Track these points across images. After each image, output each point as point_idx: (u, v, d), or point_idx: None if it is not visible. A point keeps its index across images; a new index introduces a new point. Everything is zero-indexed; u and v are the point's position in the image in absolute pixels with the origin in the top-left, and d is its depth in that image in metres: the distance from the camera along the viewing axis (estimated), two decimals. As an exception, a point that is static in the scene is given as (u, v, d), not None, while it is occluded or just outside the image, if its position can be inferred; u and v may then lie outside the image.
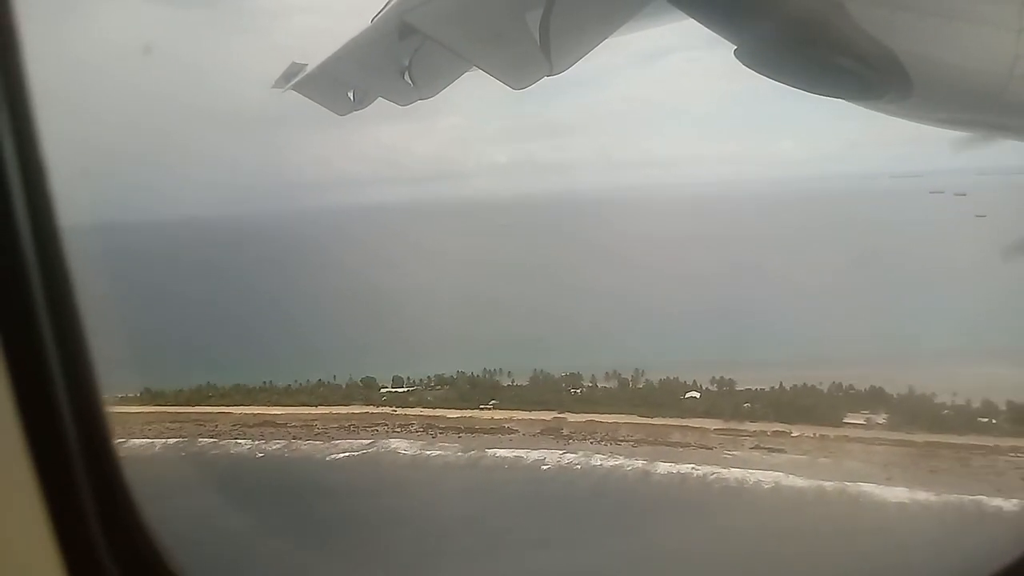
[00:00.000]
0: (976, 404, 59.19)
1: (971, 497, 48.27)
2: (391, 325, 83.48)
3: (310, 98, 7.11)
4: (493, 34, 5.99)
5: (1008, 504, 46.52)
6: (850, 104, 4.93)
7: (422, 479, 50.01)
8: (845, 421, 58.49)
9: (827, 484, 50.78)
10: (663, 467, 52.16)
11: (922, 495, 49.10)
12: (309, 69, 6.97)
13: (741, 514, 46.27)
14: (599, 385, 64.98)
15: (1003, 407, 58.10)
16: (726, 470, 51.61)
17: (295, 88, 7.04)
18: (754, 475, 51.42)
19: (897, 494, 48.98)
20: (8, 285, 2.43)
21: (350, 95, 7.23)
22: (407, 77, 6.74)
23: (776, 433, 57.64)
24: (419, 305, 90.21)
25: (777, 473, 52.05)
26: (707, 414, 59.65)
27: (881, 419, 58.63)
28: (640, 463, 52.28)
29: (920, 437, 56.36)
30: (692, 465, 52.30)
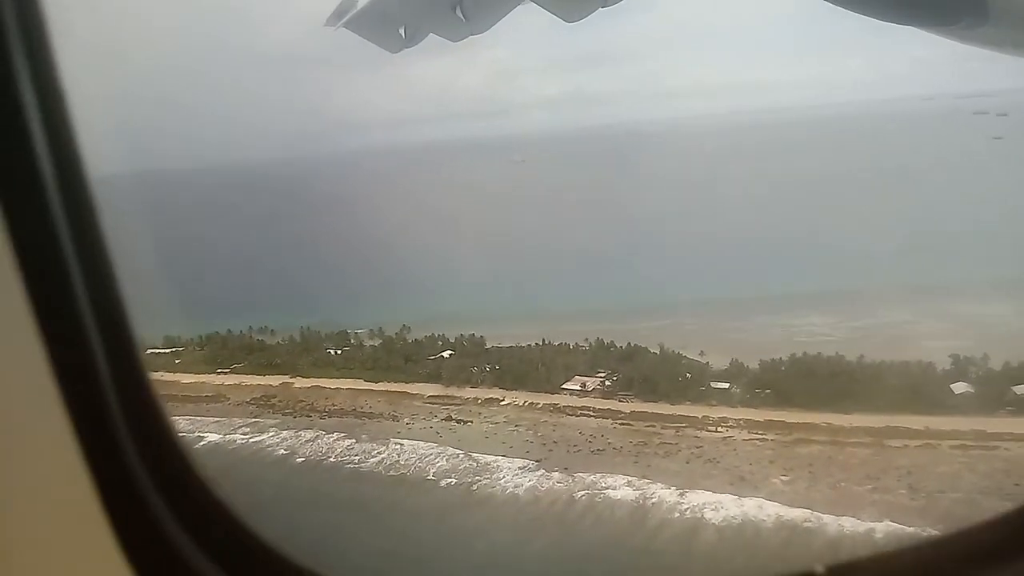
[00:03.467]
0: (723, 365, 48.69)
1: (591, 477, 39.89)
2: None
3: (362, 35, 6.99)
4: None
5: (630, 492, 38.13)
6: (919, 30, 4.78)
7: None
8: (563, 387, 50.81)
9: (476, 460, 44.38)
10: (322, 443, 48.56)
11: (555, 476, 41.27)
12: (360, 5, 6.89)
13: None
14: (365, 344, 62.08)
15: (754, 367, 47.12)
16: (384, 447, 46.81)
17: (346, 26, 6.92)
18: (402, 451, 46.27)
19: (523, 477, 41.49)
20: (36, 235, 2.40)
21: (401, 32, 7.05)
22: (459, 11, 6.60)
23: (487, 401, 51.53)
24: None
25: (439, 449, 46.20)
26: (432, 378, 54.86)
27: (598, 384, 50.06)
28: (300, 438, 49.10)
29: (629, 406, 47.49)
30: (353, 440, 48.16)
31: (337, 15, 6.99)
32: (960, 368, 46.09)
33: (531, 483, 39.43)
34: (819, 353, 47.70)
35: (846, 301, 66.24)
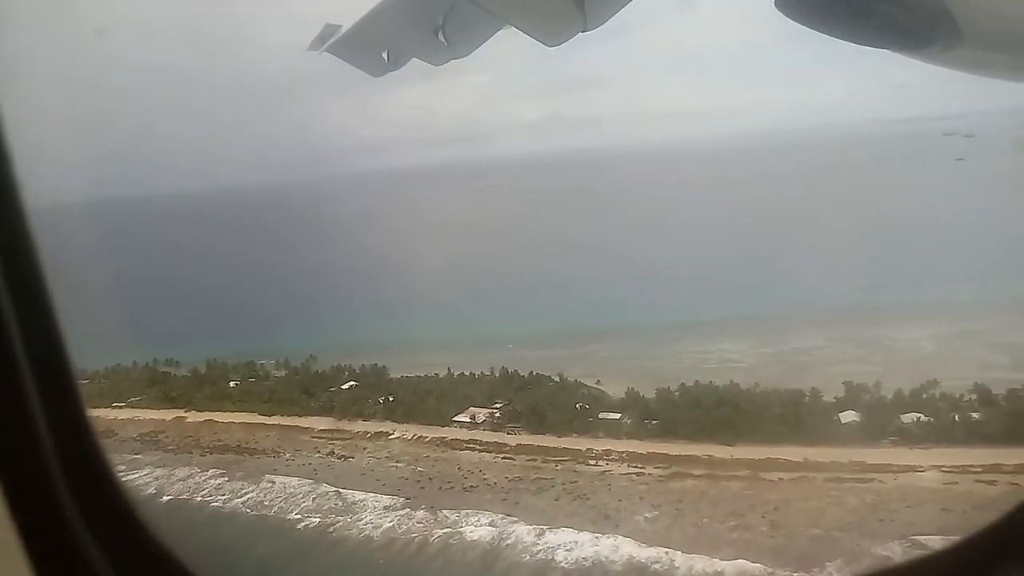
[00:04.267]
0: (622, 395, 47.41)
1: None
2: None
3: (345, 60, 7.01)
4: None
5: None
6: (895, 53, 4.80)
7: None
8: (454, 419, 49.12)
9: (344, 499, 42.37)
10: (193, 481, 46.34)
11: (418, 515, 39.36)
12: (343, 31, 6.83)
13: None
14: (271, 375, 60.22)
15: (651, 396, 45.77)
16: (255, 486, 44.65)
17: (329, 50, 6.90)
18: (272, 489, 44.01)
19: (386, 516, 39.50)
20: None
21: (384, 56, 7.13)
22: (441, 36, 6.63)
23: (376, 435, 49.71)
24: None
25: (310, 487, 44.04)
26: (326, 410, 53.01)
27: (487, 416, 48.46)
28: (172, 477, 46.85)
29: (516, 439, 45.90)
30: (225, 479, 45.93)
31: (320, 40, 6.95)
32: (852, 396, 44.90)
33: (391, 523, 37.61)
34: (710, 381, 46.44)
35: (767, 327, 65.40)
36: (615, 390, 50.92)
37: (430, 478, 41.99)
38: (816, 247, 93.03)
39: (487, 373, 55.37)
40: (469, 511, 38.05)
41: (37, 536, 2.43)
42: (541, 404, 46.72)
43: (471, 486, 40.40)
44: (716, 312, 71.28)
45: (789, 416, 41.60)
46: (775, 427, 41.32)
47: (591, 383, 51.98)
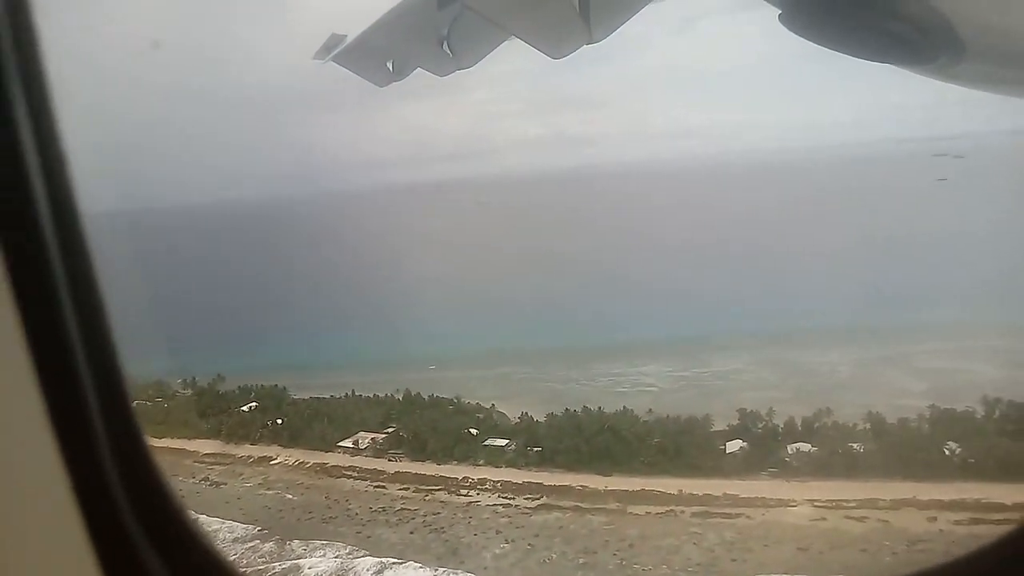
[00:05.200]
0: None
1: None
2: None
3: (350, 69, 7.00)
4: (532, 2, 5.84)
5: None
6: (896, 68, 4.77)
7: None
8: (339, 444, 47.30)
9: None
10: None
11: (266, 547, 37.40)
12: (349, 40, 6.78)
13: None
14: (177, 394, 58.44)
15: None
16: None
17: (335, 60, 6.85)
18: None
19: (233, 548, 37.72)
20: (31, 272, 2.46)
21: (389, 66, 7.11)
22: (446, 47, 6.58)
23: (260, 459, 47.88)
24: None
25: None
26: (214, 433, 51.24)
27: (370, 442, 46.62)
28: None
29: (396, 466, 44.05)
30: None
31: (326, 49, 6.96)
32: (745, 424, 43.00)
33: (235, 556, 35.62)
34: (598, 407, 44.54)
35: (695, 350, 63.72)
36: (518, 414, 49.28)
37: (293, 508, 40.16)
38: (766, 271, 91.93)
39: (392, 395, 53.70)
40: (319, 544, 36.12)
41: (101, 539, 2.54)
42: (425, 430, 44.81)
43: (330, 516, 38.54)
44: (649, 333, 69.82)
45: (669, 446, 39.63)
46: (654, 457, 39.37)
47: (492, 407, 50.19)
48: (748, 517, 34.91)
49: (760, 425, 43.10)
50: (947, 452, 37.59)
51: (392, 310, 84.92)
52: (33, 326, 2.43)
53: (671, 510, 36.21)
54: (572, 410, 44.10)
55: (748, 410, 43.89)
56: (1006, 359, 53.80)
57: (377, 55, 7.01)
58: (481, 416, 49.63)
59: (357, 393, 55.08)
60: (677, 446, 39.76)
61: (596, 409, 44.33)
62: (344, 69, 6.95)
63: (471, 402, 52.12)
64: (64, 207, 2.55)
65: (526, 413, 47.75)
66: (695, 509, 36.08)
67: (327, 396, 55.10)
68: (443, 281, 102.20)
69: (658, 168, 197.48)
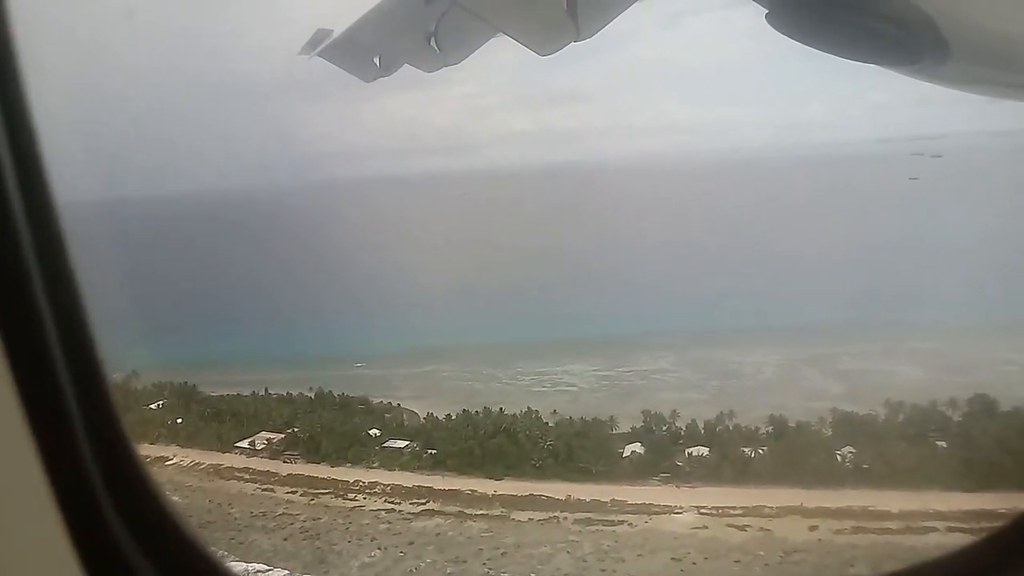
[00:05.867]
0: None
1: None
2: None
3: (336, 64, 6.91)
4: None
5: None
6: (881, 68, 4.77)
7: None
8: (236, 445, 45.79)
9: None
10: None
11: None
12: (335, 35, 6.71)
13: None
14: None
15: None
16: None
17: (321, 54, 6.79)
18: None
19: None
20: (4, 263, 2.42)
21: (376, 61, 7.02)
22: (433, 43, 6.48)
23: (156, 460, 46.12)
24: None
25: None
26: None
27: (266, 443, 45.19)
28: None
29: (289, 468, 42.62)
30: None
31: (311, 44, 7.00)
32: (647, 427, 41.90)
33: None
34: (500, 409, 43.29)
35: (627, 348, 62.65)
36: (431, 414, 48.07)
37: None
38: (718, 269, 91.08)
39: (304, 394, 52.29)
40: (189, 550, 34.58)
41: (83, 535, 2.48)
42: (321, 431, 43.42)
43: (208, 521, 37.00)
44: (586, 330, 68.72)
45: (562, 449, 38.45)
46: (546, 460, 38.16)
47: (398, 406, 48.95)
48: (630, 524, 33.81)
49: (664, 428, 41.99)
50: (840, 457, 36.60)
51: (347, 304, 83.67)
52: (6, 318, 2.40)
53: (554, 516, 35.06)
54: (470, 411, 42.75)
55: (652, 412, 42.74)
56: (930, 361, 53.16)
57: (364, 51, 6.96)
58: (389, 416, 48.32)
59: (270, 391, 53.61)
60: (570, 449, 38.56)
61: (497, 410, 43.02)
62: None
63: (383, 401, 50.88)
64: (37, 194, 2.50)
65: (431, 413, 46.49)
66: (578, 516, 34.95)
67: (237, 394, 53.59)
68: (405, 274, 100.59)
69: (639, 164, 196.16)
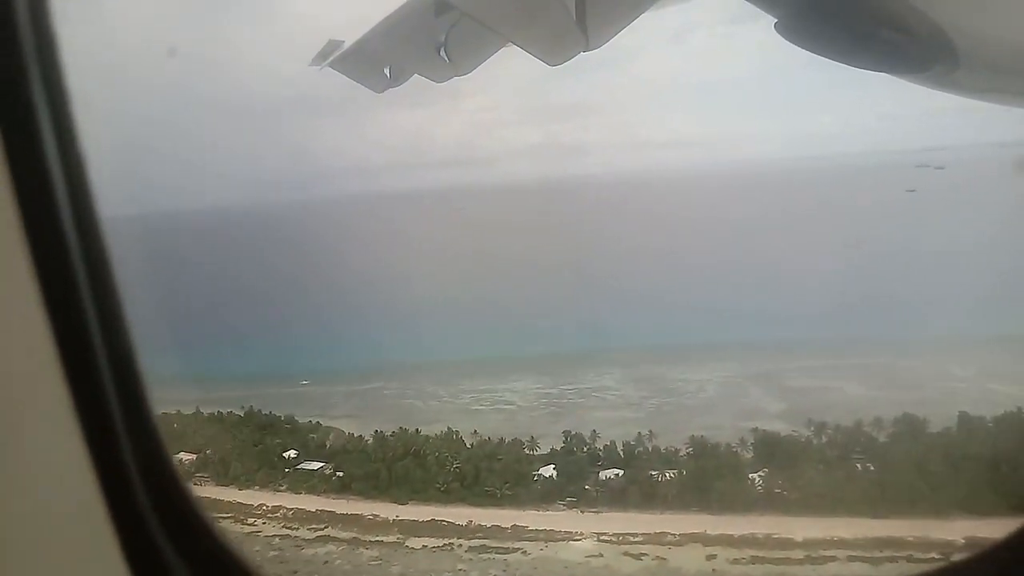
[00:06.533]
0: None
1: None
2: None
3: (347, 75, 6.96)
4: (529, 9, 5.73)
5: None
6: (887, 78, 4.79)
7: None
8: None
9: None
10: None
11: None
12: (345, 46, 6.78)
13: None
14: None
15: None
16: None
17: (332, 66, 6.86)
18: None
19: None
20: (54, 275, 2.52)
21: (386, 72, 7.11)
22: (443, 53, 6.55)
23: None
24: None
25: None
26: None
27: (179, 463, 43.82)
28: None
29: (205, 491, 41.18)
30: None
31: (322, 55, 7.03)
32: (567, 448, 40.50)
33: None
34: (418, 430, 42.06)
35: (575, 363, 61.29)
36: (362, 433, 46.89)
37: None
38: (696, 282, 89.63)
39: (233, 413, 51.23)
40: None
41: (127, 540, 2.56)
42: (234, 452, 42.24)
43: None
44: (546, 347, 67.41)
45: (469, 472, 37.09)
46: (452, 484, 36.81)
47: (319, 425, 47.75)
48: (524, 552, 32.34)
49: (584, 449, 40.55)
50: (753, 481, 35.02)
51: (309, 320, 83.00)
52: (60, 331, 2.48)
53: (449, 543, 33.59)
54: (380, 432, 41.53)
55: (574, 433, 41.31)
56: (877, 377, 51.47)
57: (374, 61, 6.97)
58: (313, 436, 47.14)
59: (202, 410, 52.56)
60: (478, 472, 37.16)
61: (413, 431, 41.78)
62: (339, 75, 6.88)
63: (311, 421, 49.73)
64: (85, 212, 2.62)
65: (351, 433, 45.29)
66: (474, 543, 33.51)
67: (170, 412, 52.57)
68: (382, 288, 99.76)
69: (645, 177, 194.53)
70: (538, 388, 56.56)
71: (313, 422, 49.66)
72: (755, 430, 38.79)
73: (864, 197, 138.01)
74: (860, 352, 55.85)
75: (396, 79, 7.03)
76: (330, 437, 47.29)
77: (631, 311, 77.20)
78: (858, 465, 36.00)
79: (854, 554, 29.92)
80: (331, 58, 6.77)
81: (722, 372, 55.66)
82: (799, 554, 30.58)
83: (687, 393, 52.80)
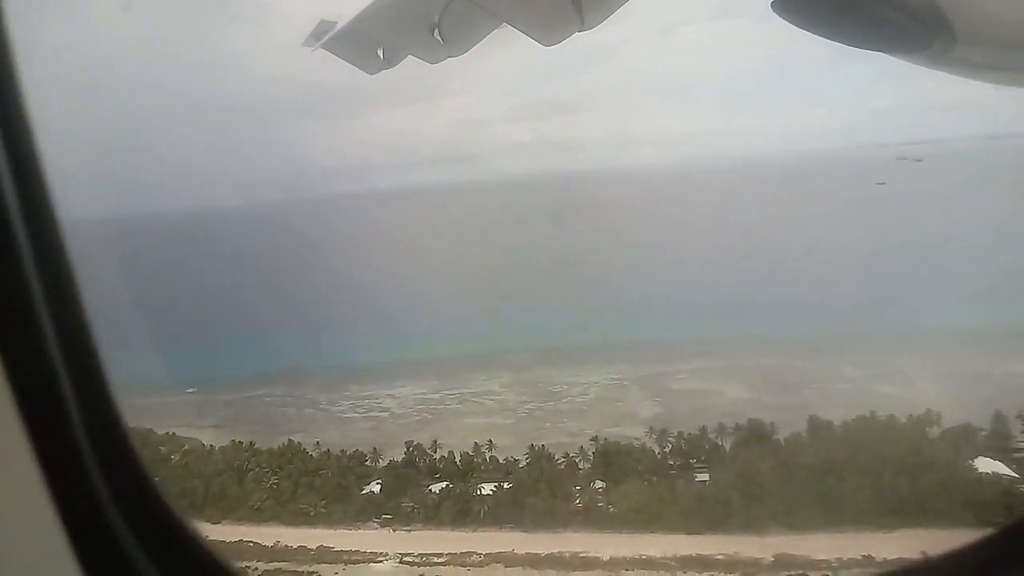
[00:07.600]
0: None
1: None
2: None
3: (340, 56, 6.72)
4: None
5: None
6: (876, 72, 4.39)
7: None
8: None
9: None
10: None
11: None
12: (339, 27, 6.50)
13: None
14: None
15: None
16: None
17: (325, 47, 6.57)
18: None
19: None
20: (6, 282, 2.42)
21: (380, 53, 6.83)
22: (437, 34, 6.41)
23: None
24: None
25: None
26: None
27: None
28: None
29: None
30: None
31: (315, 36, 6.89)
32: (409, 459, 38.33)
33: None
34: (252, 443, 39.74)
35: (469, 367, 59.02)
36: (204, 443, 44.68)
37: None
38: (642, 281, 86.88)
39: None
40: None
41: (83, 536, 2.47)
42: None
43: None
44: (440, 351, 64.96)
45: (286, 489, 34.82)
46: (268, 502, 34.53)
47: (172, 435, 45.43)
48: (318, 575, 30.05)
49: (425, 460, 38.33)
50: (578, 495, 32.82)
51: (221, 326, 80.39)
52: (8, 334, 2.39)
53: (247, 566, 31.27)
54: (214, 445, 39.25)
55: (415, 443, 39.09)
56: (761, 378, 49.42)
57: (367, 42, 6.87)
58: (163, 449, 44.76)
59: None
60: (296, 489, 34.87)
61: (248, 444, 39.49)
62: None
63: (169, 432, 47.37)
64: (39, 212, 2.49)
65: (203, 443, 43.12)
66: (271, 566, 31.22)
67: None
68: (330, 291, 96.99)
69: (634, 172, 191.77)
70: (420, 394, 54.29)
71: (170, 433, 47.35)
72: (595, 439, 36.52)
73: (834, 191, 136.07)
74: (752, 353, 53.74)
75: (390, 60, 6.85)
76: (183, 449, 45.04)
77: (550, 312, 74.83)
78: (695, 475, 33.85)
79: (655, 574, 27.72)
80: (324, 39, 6.54)
81: (612, 374, 53.54)
82: (603, 574, 28.41)
83: (567, 397, 50.64)
